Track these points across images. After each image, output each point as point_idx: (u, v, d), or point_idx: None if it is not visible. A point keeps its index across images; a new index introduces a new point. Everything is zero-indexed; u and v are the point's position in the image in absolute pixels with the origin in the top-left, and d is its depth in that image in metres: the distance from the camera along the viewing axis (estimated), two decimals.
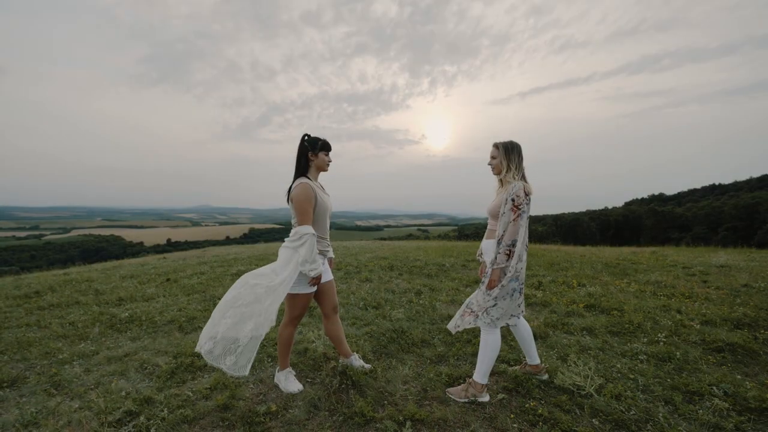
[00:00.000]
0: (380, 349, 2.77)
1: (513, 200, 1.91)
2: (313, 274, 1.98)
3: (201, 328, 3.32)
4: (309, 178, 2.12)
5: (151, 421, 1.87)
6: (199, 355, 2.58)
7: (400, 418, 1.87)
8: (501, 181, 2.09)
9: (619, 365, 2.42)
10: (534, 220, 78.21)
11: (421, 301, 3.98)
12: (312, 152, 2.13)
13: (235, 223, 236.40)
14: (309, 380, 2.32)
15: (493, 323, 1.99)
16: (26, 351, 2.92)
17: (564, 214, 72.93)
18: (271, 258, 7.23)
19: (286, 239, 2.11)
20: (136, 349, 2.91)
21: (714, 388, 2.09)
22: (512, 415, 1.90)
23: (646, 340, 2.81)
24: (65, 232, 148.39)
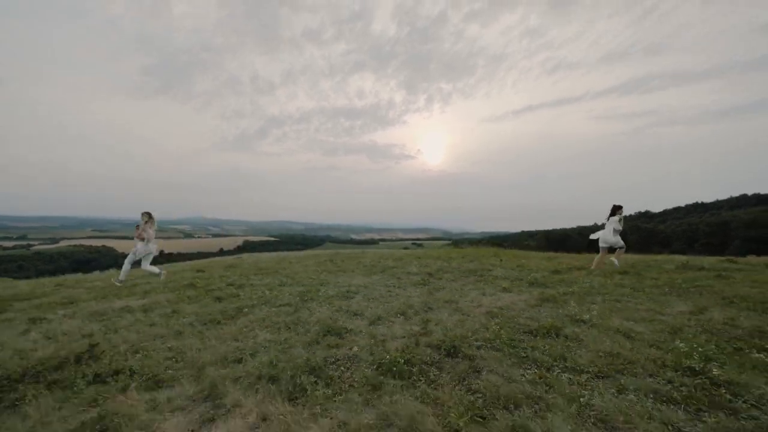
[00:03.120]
0: None
1: None
2: None
3: None
4: None
5: None
6: None
7: None
8: None
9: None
10: (526, 236, 79.88)
11: None
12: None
13: (228, 235, 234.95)
14: None
15: None
16: None
17: (555, 229, 74.80)
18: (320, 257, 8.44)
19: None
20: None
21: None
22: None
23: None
24: (54, 243, 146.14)
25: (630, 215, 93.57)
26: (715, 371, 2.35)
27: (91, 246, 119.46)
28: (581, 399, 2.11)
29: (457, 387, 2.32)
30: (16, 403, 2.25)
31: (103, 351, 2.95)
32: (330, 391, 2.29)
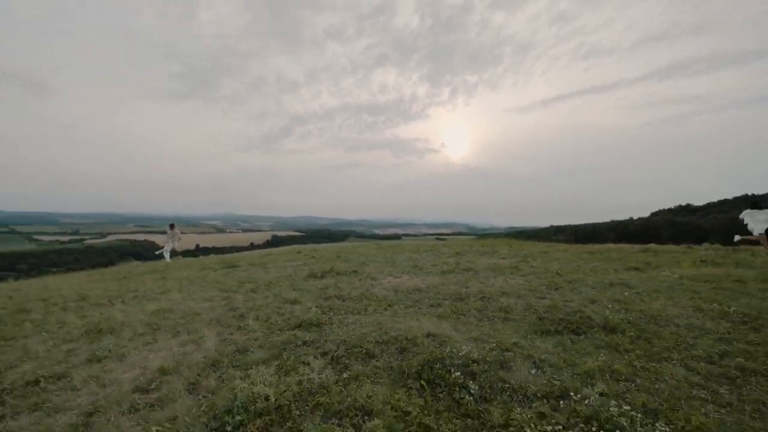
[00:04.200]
0: None
1: None
2: None
3: None
4: None
5: None
6: None
7: None
8: None
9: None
10: (555, 230, 77.56)
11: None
12: None
13: (257, 230, 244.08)
14: None
15: None
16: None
17: (585, 224, 71.98)
18: (358, 249, 9.77)
19: None
20: None
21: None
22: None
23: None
24: (102, 237, 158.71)
25: (669, 208, 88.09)
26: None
27: (135, 240, 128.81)
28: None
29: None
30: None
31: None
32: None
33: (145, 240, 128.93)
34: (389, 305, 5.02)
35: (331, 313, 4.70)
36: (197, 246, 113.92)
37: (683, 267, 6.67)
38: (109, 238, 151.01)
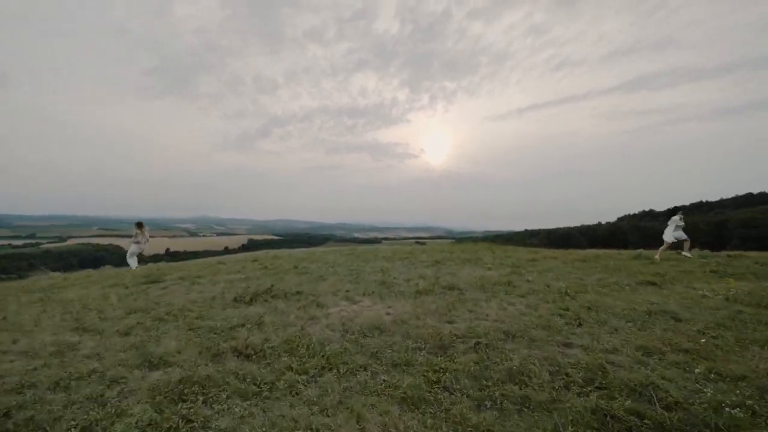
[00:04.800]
0: None
1: None
2: None
3: None
4: None
5: None
6: None
7: None
8: None
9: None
10: (529, 234, 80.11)
11: None
12: None
13: (233, 233, 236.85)
14: None
15: None
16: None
17: (558, 228, 74.90)
18: (327, 257, 8.99)
19: None
20: None
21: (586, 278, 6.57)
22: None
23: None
24: (62, 241, 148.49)
25: (633, 214, 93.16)
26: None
27: (98, 244, 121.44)
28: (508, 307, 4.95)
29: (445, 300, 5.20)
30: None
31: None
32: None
33: (110, 244, 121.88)
34: (324, 368, 3.06)
35: (197, 402, 2.57)
36: (167, 250, 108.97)
37: (709, 282, 5.75)
38: (70, 241, 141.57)
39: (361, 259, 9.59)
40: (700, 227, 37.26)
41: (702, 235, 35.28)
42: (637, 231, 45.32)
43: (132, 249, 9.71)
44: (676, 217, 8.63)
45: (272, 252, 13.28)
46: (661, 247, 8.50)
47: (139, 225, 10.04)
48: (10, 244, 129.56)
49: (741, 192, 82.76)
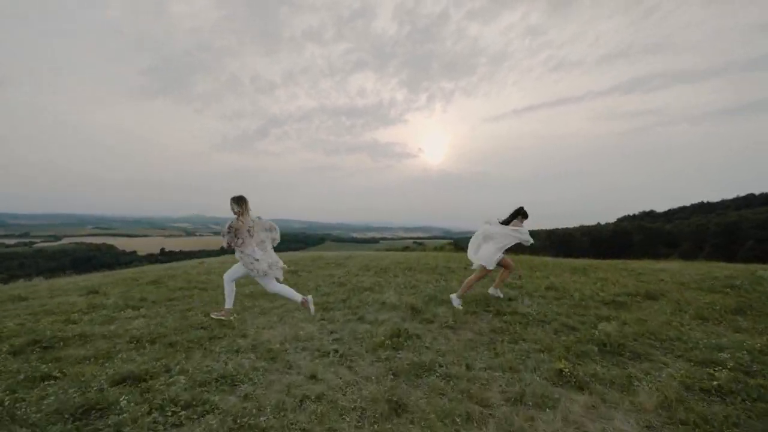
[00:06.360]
0: (425, 302, 4.61)
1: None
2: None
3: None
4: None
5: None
6: None
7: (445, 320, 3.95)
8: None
9: (551, 307, 4.34)
10: (529, 235, 78.92)
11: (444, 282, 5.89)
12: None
13: None
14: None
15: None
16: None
17: (557, 229, 74.18)
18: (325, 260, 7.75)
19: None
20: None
21: (594, 313, 4.07)
22: (496, 320, 3.92)
23: (570, 299, 4.66)
24: (56, 240, 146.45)
25: (634, 214, 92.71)
26: None
27: (91, 243, 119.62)
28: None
29: None
30: None
31: None
32: None
33: (103, 243, 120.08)
34: None
35: None
36: (162, 250, 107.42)
37: None
38: (64, 240, 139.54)
39: (310, 274, 6.68)
40: (711, 229, 36.38)
41: (712, 237, 34.55)
42: (642, 231, 44.61)
43: (234, 268, 4.06)
44: (512, 228, 4.57)
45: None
46: (472, 276, 4.61)
47: (240, 200, 4.01)
48: (3, 243, 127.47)
49: (741, 193, 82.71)
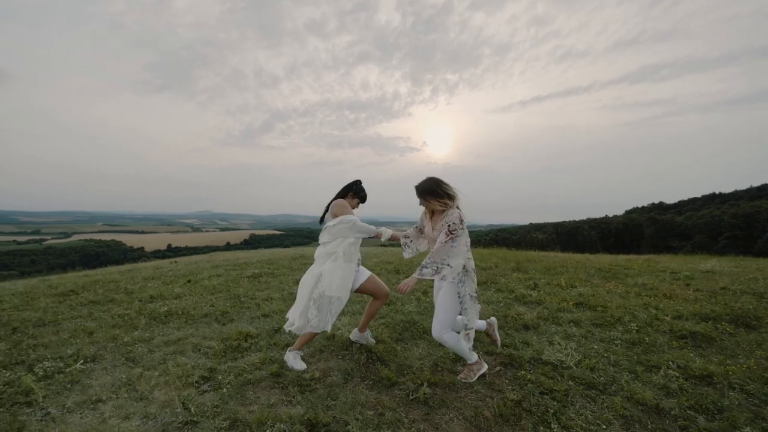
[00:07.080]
0: (396, 335, 3.15)
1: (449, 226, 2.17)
2: None
3: (234, 321, 3.60)
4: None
5: (223, 382, 2.34)
6: (245, 338, 2.92)
7: (418, 381, 2.31)
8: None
9: (596, 347, 2.80)
10: (534, 228, 78.41)
11: (428, 299, 4.25)
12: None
13: (235, 229, 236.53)
14: (340, 357, 2.68)
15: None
16: (92, 336, 3.25)
17: (564, 222, 73.13)
18: (280, 262, 7.34)
19: None
20: (185, 335, 3.22)
21: (670, 362, 2.49)
22: (506, 380, 2.35)
23: (622, 329, 3.16)
24: (66, 237, 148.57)
25: (643, 206, 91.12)
26: None
27: (101, 240, 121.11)
28: None
29: None
30: None
31: None
32: None
33: (112, 240, 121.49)
34: None
35: None
36: (169, 246, 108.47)
37: None
38: (74, 237, 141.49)
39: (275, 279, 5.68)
40: (726, 220, 35.36)
41: (728, 229, 33.45)
42: (653, 224, 43.69)
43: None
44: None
45: (184, 260, 9.72)
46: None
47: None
48: (14, 240, 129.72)
49: (755, 183, 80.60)
